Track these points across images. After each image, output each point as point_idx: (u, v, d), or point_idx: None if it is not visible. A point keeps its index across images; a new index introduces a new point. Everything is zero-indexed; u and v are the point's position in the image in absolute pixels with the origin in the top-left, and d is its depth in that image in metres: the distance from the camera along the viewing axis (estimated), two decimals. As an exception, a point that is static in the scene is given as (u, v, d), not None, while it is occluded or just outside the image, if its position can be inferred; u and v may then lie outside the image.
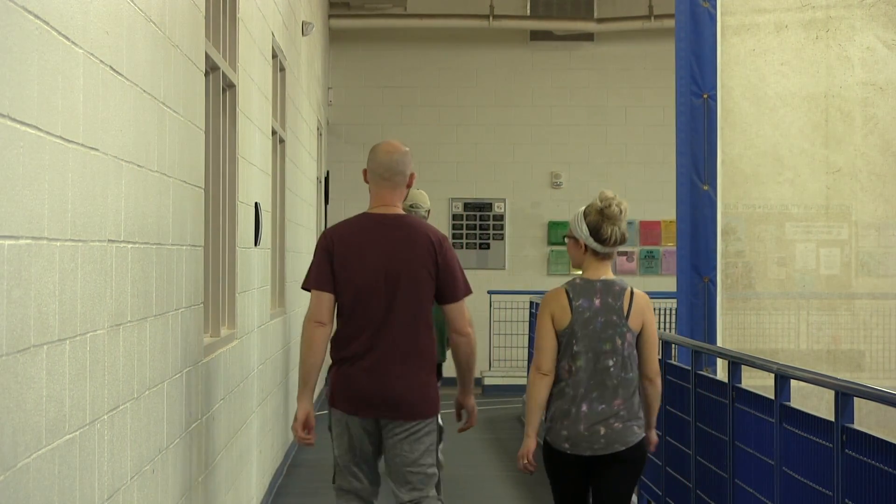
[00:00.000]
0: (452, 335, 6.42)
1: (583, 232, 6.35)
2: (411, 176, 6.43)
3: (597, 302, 6.28)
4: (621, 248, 20.70)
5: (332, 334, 6.37)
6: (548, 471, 6.41)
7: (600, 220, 6.33)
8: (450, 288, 6.38)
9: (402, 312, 6.28)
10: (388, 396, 6.25)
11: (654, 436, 6.50)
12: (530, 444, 6.30)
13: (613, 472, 6.28)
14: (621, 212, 6.31)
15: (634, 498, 9.42)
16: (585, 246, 6.34)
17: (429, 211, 9.83)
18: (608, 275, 6.34)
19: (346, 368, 6.28)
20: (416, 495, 6.33)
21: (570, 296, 6.30)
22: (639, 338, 6.33)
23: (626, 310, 6.28)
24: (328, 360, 6.48)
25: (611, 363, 6.25)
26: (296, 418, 6.35)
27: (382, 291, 6.28)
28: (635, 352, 6.32)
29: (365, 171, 6.47)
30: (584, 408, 6.23)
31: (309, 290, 6.35)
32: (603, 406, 6.22)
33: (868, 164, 9.27)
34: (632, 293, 6.31)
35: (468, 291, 6.46)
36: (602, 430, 6.22)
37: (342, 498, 6.44)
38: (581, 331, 6.26)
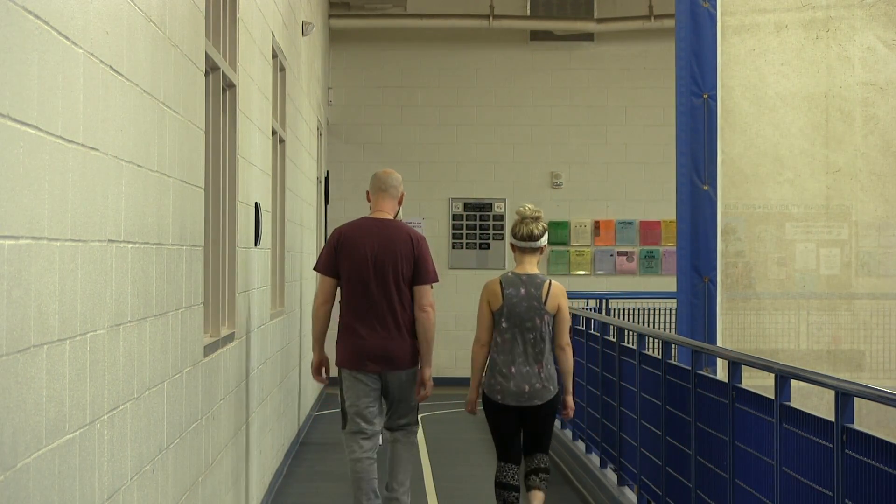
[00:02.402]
0: (417, 311, 8.46)
1: (511, 232, 8.47)
2: (402, 194, 8.62)
3: (522, 291, 8.30)
4: (622, 249, 20.75)
5: (332, 307, 8.50)
6: (486, 414, 8.44)
7: (517, 221, 8.40)
8: (420, 274, 8.46)
9: (388, 291, 8.41)
10: (388, 353, 8.41)
11: (570, 401, 8.48)
12: (473, 395, 8.49)
13: (534, 419, 8.34)
14: (533, 218, 8.34)
15: (634, 498, 9.46)
16: (512, 246, 8.43)
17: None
18: (533, 270, 8.36)
19: (350, 337, 8.43)
20: (404, 421, 8.57)
21: (503, 285, 8.33)
22: (554, 317, 8.31)
23: (545, 297, 8.28)
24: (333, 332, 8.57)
25: (531, 337, 8.27)
26: (312, 364, 8.67)
27: (373, 275, 8.41)
28: (550, 329, 8.31)
29: (368, 193, 8.67)
30: (514, 370, 8.28)
31: (318, 273, 8.55)
32: (527, 368, 8.27)
33: (868, 164, 9.27)
34: (549, 284, 8.34)
35: (435, 279, 8.54)
36: (526, 388, 8.28)
37: (350, 437, 8.46)
38: (509, 312, 8.29)
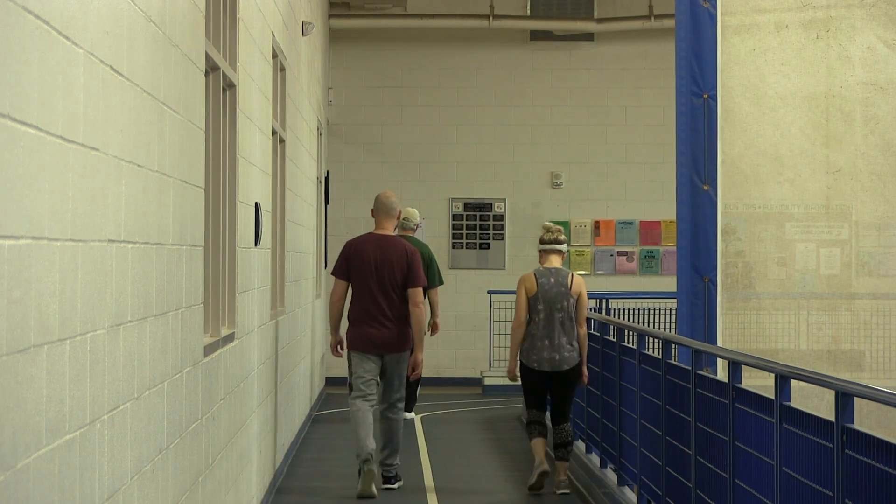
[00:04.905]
0: (411, 307, 10.87)
1: (538, 242, 11.00)
2: (399, 211, 11.23)
3: (552, 280, 10.76)
4: (622, 249, 20.75)
5: (345, 302, 10.95)
6: (522, 379, 10.87)
7: (544, 232, 10.98)
8: (412, 280, 10.90)
9: (387, 292, 10.85)
10: (386, 340, 10.83)
11: (585, 370, 10.83)
12: (512, 364, 10.90)
13: (562, 381, 10.74)
14: (558, 230, 10.98)
15: (634, 498, 9.46)
16: (541, 251, 10.91)
17: (417, 225, 14.71)
18: (558, 265, 10.86)
19: (357, 326, 10.86)
20: (398, 396, 10.98)
21: (537, 276, 10.80)
22: (577, 301, 10.71)
23: (570, 284, 10.74)
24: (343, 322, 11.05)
25: (560, 316, 10.68)
26: (330, 343, 11.18)
27: (376, 280, 10.86)
28: (574, 311, 10.70)
29: (372, 211, 11.17)
30: (546, 342, 10.66)
31: (334, 276, 11.02)
32: (557, 341, 10.64)
33: (868, 163, 9.27)
34: (572, 275, 10.84)
35: (424, 283, 11.03)
36: (556, 357, 10.66)
37: (356, 399, 10.81)
38: (543, 297, 10.72)
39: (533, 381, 10.77)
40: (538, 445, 10.81)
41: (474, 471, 12.29)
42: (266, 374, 10.48)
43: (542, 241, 10.92)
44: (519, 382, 10.99)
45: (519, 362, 10.84)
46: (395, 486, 11.01)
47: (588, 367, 11.99)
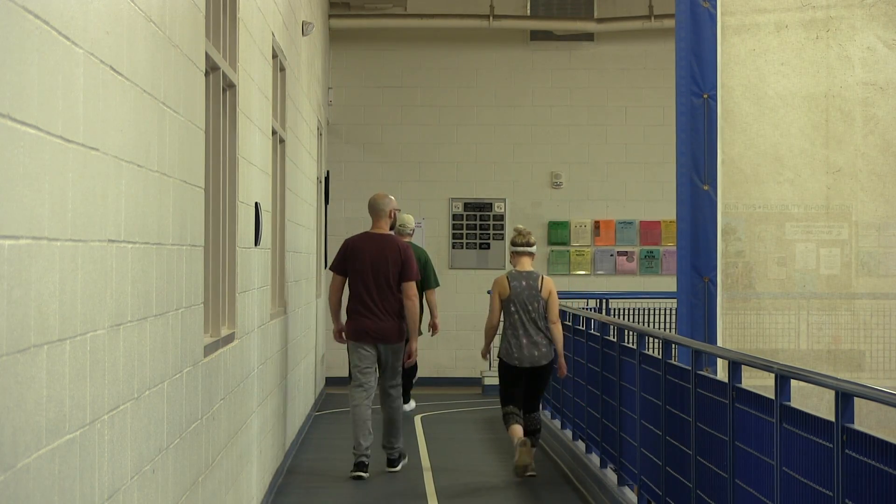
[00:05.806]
0: (405, 300, 11.73)
1: (509, 244, 11.90)
2: (391, 211, 11.95)
3: (524, 283, 11.63)
4: (622, 249, 20.75)
5: (342, 295, 11.79)
6: (501, 375, 11.75)
7: (515, 235, 11.78)
8: (405, 273, 11.73)
9: (382, 286, 11.68)
10: (380, 331, 11.68)
11: (563, 362, 11.81)
12: (486, 348, 12.20)
13: (538, 375, 11.66)
14: (529, 233, 11.77)
15: (634, 498, 9.46)
16: (512, 253, 11.73)
17: (413, 230, 15.47)
18: (529, 268, 11.72)
19: (354, 318, 11.72)
20: (393, 382, 11.82)
21: (510, 279, 11.67)
22: (547, 301, 11.58)
23: (540, 287, 11.62)
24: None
25: (533, 316, 11.57)
26: (333, 331, 12.00)
27: (371, 274, 11.68)
28: (544, 310, 11.57)
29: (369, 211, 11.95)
30: (524, 340, 11.57)
31: (332, 272, 11.90)
32: (534, 339, 11.56)
33: (868, 164, 9.27)
34: (542, 278, 11.70)
35: (417, 277, 11.89)
36: (535, 353, 11.57)
37: (354, 388, 11.72)
38: (516, 298, 11.59)
39: (512, 376, 11.60)
40: (517, 429, 11.60)
41: (474, 471, 12.29)
42: (266, 373, 10.48)
43: (513, 244, 11.75)
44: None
45: (499, 360, 11.78)
46: (399, 467, 11.88)
47: (588, 368, 12.02)
